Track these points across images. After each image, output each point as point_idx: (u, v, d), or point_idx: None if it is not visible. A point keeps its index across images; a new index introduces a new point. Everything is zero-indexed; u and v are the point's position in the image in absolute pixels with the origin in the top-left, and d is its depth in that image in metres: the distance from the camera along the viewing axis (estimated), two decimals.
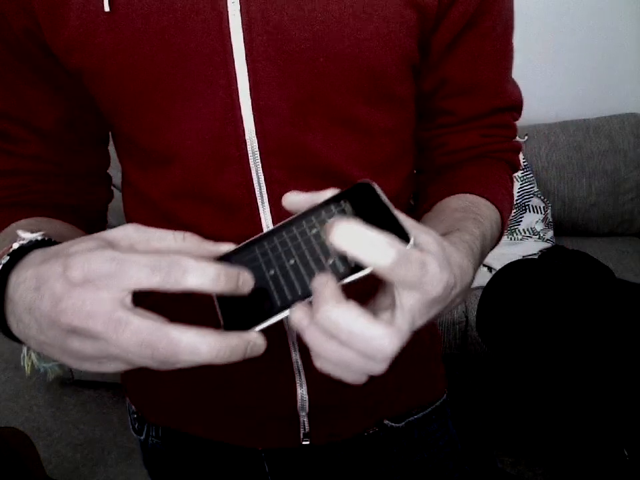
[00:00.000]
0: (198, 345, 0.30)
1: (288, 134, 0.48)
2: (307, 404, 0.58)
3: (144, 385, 0.65)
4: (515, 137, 0.60)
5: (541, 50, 1.88)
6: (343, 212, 0.36)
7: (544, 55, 1.92)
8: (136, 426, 0.69)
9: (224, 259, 0.36)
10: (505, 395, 1.46)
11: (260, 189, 0.50)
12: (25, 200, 0.55)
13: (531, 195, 1.88)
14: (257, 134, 0.48)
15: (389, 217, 0.34)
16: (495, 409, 1.50)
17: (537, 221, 1.87)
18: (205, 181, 0.50)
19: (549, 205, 1.91)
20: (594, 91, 2.02)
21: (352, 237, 0.30)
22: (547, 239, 1.86)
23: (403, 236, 0.32)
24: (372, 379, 0.33)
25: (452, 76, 0.54)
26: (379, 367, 0.32)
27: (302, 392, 0.58)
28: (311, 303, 0.32)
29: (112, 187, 0.63)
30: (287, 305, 0.33)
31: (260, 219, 0.51)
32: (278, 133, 0.48)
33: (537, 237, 1.85)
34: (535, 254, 1.78)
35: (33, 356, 0.46)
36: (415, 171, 0.61)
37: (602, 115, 1.96)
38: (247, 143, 0.48)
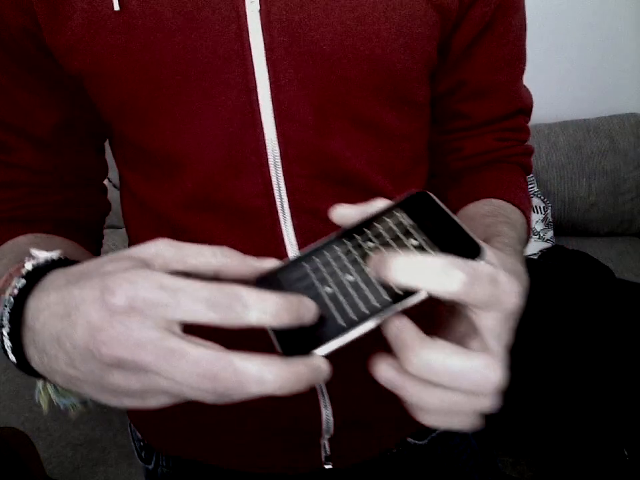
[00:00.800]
0: (264, 374, 0.26)
1: (310, 139, 0.46)
2: (332, 426, 0.55)
3: (152, 412, 0.62)
4: (527, 140, 0.60)
5: (541, 50, 1.88)
6: (400, 224, 0.33)
7: (544, 55, 1.91)
8: (142, 454, 0.65)
9: (269, 276, 0.33)
10: (504, 395, 1.46)
11: (281, 199, 0.47)
12: (20, 214, 0.52)
13: (531, 195, 1.88)
14: (278, 140, 0.45)
15: (454, 228, 0.31)
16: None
17: (537, 221, 1.87)
18: (220, 191, 0.47)
19: (549, 205, 1.91)
20: (594, 91, 2.02)
21: (408, 269, 0.27)
22: (547, 239, 1.86)
23: (473, 248, 0.29)
24: (394, 397, 0.31)
25: (468, 78, 0.53)
26: (491, 402, 0.29)
27: (327, 414, 0.55)
28: (379, 322, 0.29)
29: (113, 187, 0.62)
30: (352, 324, 0.29)
31: (281, 230, 0.48)
32: (300, 138, 0.46)
33: (537, 237, 1.85)
34: (535, 254, 1.78)
35: (50, 391, 0.40)
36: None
37: (602, 115, 1.96)
38: (267, 149, 0.46)
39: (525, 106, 0.58)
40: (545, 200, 1.90)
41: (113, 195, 0.61)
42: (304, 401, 0.54)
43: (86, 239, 0.55)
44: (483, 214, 0.50)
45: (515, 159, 0.59)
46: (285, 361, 0.27)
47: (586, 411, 1.34)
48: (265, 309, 0.27)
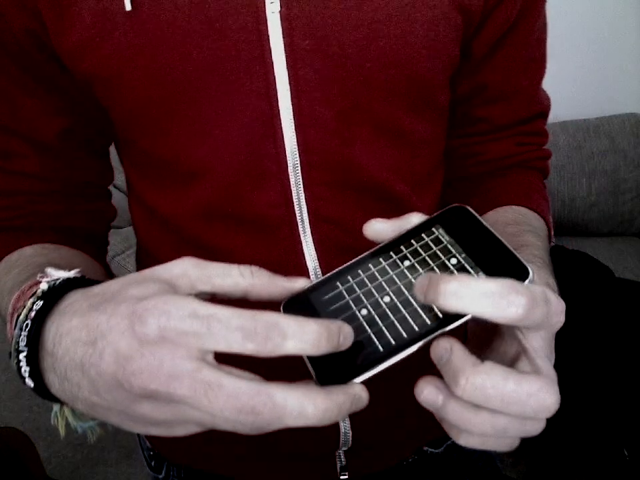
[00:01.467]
0: (305, 407, 0.26)
1: (332, 146, 0.44)
2: (350, 439, 0.54)
3: None
4: (546, 144, 0.59)
5: None
6: (437, 240, 0.31)
7: None
8: (152, 464, 0.64)
9: (300, 296, 0.31)
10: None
11: (300, 208, 0.46)
12: (23, 223, 0.50)
13: None
14: (298, 146, 0.43)
15: (497, 246, 0.29)
16: None
17: None
18: (238, 200, 0.45)
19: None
20: (594, 91, 2.02)
21: (469, 295, 0.25)
22: None
23: (519, 268, 0.28)
24: (412, 408, 0.30)
25: (490, 81, 0.52)
26: (539, 425, 0.28)
27: (345, 427, 0.53)
28: (420, 348, 0.28)
29: (114, 188, 0.61)
30: (391, 351, 0.28)
31: (300, 239, 0.47)
32: (321, 145, 0.44)
33: None
34: None
35: (68, 414, 0.39)
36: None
37: (602, 115, 1.96)
38: (287, 157, 0.44)
39: (544, 109, 0.57)
40: None
41: (115, 196, 0.60)
42: None
43: (91, 246, 0.53)
44: (505, 222, 0.48)
45: (534, 164, 0.57)
46: (324, 392, 0.26)
47: (586, 410, 1.34)
48: (303, 339, 0.26)
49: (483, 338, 0.32)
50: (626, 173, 1.89)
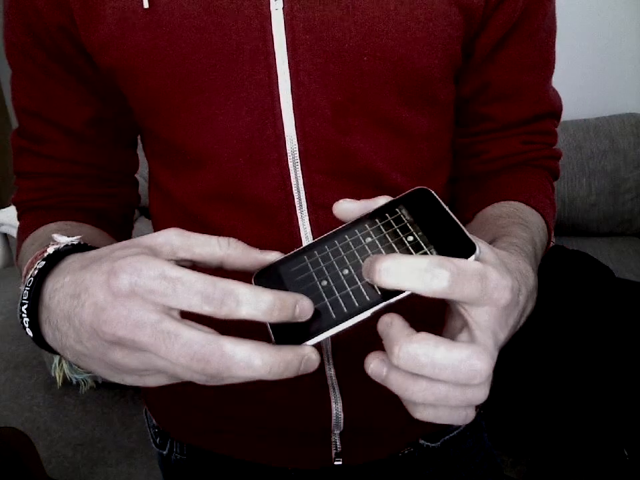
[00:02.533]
0: (252, 359, 0.28)
1: (329, 135, 0.47)
2: (342, 421, 0.56)
3: (168, 401, 0.63)
4: (555, 144, 0.59)
5: None
6: (399, 220, 0.33)
7: None
8: (157, 440, 0.67)
9: (271, 268, 0.34)
10: (505, 395, 1.46)
11: (298, 193, 0.48)
12: (53, 203, 0.54)
13: None
14: (297, 135, 0.46)
15: (451, 225, 0.32)
16: (494, 409, 1.50)
17: None
18: (240, 184, 0.48)
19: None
20: (594, 91, 2.02)
21: (393, 272, 0.28)
22: None
23: (467, 245, 0.30)
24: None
25: (494, 80, 0.52)
26: (480, 393, 0.29)
27: (337, 408, 0.55)
28: (371, 315, 0.30)
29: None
30: (343, 318, 0.30)
31: (297, 223, 0.49)
32: (319, 134, 0.46)
33: None
34: None
35: (65, 367, 0.44)
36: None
37: (602, 115, 1.96)
38: (287, 145, 0.46)
39: (553, 109, 0.57)
40: None
41: (141, 199, 0.64)
42: (315, 394, 0.55)
43: (114, 228, 0.57)
44: (498, 215, 0.50)
45: (541, 162, 0.57)
46: (273, 348, 0.29)
47: (586, 410, 1.34)
48: (256, 306, 0.29)
49: (445, 320, 0.34)
50: (626, 172, 1.89)
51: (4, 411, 1.97)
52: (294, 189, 0.48)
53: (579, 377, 1.35)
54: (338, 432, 0.57)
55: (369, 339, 0.30)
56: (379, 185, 0.50)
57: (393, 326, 0.29)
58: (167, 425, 0.65)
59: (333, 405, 0.55)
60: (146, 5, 0.43)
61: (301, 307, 0.30)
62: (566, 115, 2.07)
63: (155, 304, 0.29)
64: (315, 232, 0.49)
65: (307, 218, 0.49)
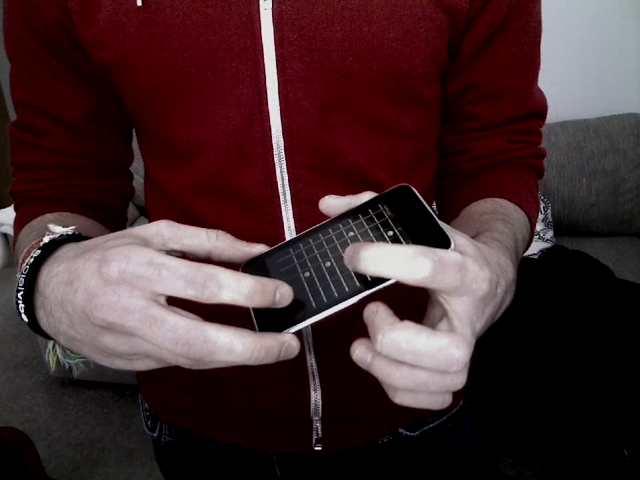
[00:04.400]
0: (234, 345, 0.29)
1: (314, 132, 0.48)
2: (321, 409, 0.58)
3: (158, 385, 0.65)
4: (540, 143, 0.60)
5: (541, 50, 1.88)
6: (381, 215, 0.35)
7: (544, 55, 1.91)
8: (149, 423, 0.69)
9: (258, 259, 0.36)
10: (504, 395, 1.46)
11: (283, 187, 0.50)
12: (50, 194, 0.55)
13: None
14: (283, 131, 0.48)
15: (429, 221, 0.33)
16: (495, 409, 1.50)
17: (537, 221, 1.87)
18: (227, 177, 0.50)
19: (549, 205, 1.91)
20: (594, 90, 2.02)
21: (378, 259, 0.29)
22: (547, 239, 1.86)
23: (443, 239, 0.32)
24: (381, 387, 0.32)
25: (480, 80, 0.53)
26: (458, 379, 0.30)
27: (316, 396, 0.57)
28: (349, 305, 0.32)
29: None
30: (322, 307, 0.32)
31: (281, 216, 0.51)
32: (304, 131, 0.48)
33: (537, 236, 1.85)
34: (535, 254, 1.78)
35: (58, 351, 0.48)
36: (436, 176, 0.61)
37: (602, 115, 1.96)
38: (273, 140, 0.48)
39: (538, 109, 0.58)
40: (545, 200, 1.91)
41: (135, 192, 0.65)
42: (295, 381, 0.56)
43: (109, 220, 0.59)
44: (482, 211, 0.51)
45: (526, 161, 0.59)
46: (255, 334, 0.30)
47: (586, 410, 1.34)
48: (238, 290, 0.30)
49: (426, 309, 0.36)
50: (626, 172, 1.89)
51: (4, 411, 1.97)
52: (279, 183, 0.49)
53: (579, 377, 1.35)
54: (318, 419, 0.59)
55: (349, 329, 0.32)
56: (362, 181, 0.51)
57: (377, 314, 0.31)
58: (157, 407, 0.67)
59: (312, 393, 0.57)
60: (139, 2, 0.45)
61: (281, 292, 0.31)
62: (566, 115, 2.06)
63: (142, 290, 0.30)
64: (298, 225, 0.51)
65: (290, 211, 0.50)
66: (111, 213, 0.60)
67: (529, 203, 0.55)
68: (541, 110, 0.58)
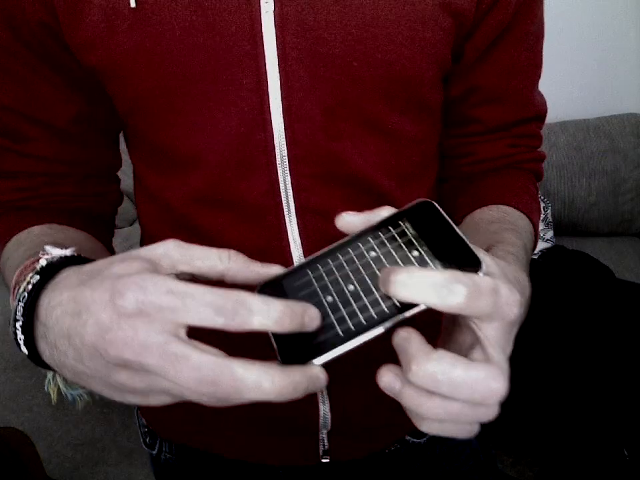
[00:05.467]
0: (262, 382, 0.27)
1: (319, 140, 0.46)
2: (329, 422, 0.56)
3: None
4: (539, 147, 0.60)
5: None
6: (403, 233, 0.33)
7: (544, 55, 1.91)
8: (147, 440, 0.67)
9: (274, 282, 0.33)
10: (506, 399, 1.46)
11: (287, 198, 0.48)
12: (36, 204, 0.53)
13: None
14: (286, 140, 0.46)
15: (455, 240, 0.31)
16: None
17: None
18: (228, 188, 0.48)
19: (549, 205, 1.91)
20: (594, 90, 2.02)
21: (415, 284, 0.28)
22: (547, 239, 1.86)
23: (472, 260, 0.30)
24: (392, 399, 0.31)
25: (483, 83, 0.53)
26: (491, 411, 0.29)
27: (324, 409, 0.56)
28: (377, 334, 0.30)
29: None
30: (350, 336, 0.30)
31: (285, 228, 0.49)
32: (308, 139, 0.46)
33: None
34: (535, 254, 1.78)
35: (60, 381, 0.43)
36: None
37: (602, 115, 1.96)
38: (276, 149, 0.46)
39: (539, 113, 0.58)
40: (545, 200, 1.90)
41: (123, 198, 0.62)
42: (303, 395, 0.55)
43: (99, 229, 0.56)
44: (489, 220, 0.50)
45: (527, 165, 0.58)
46: (283, 370, 0.28)
47: (586, 410, 1.34)
48: (268, 315, 0.28)
49: (449, 330, 0.34)
50: (626, 173, 1.89)
51: (4, 410, 1.97)
52: (282, 193, 0.48)
53: (578, 377, 1.35)
54: (325, 431, 0.58)
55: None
56: (367, 190, 0.50)
57: (410, 341, 0.29)
58: (156, 424, 0.65)
59: (321, 406, 0.56)
60: (133, 4, 0.42)
61: (309, 315, 0.30)
62: (566, 115, 2.06)
63: (162, 323, 0.28)
64: (302, 236, 0.49)
65: (295, 222, 0.49)
66: (100, 221, 0.58)
67: (532, 209, 0.54)
68: (541, 113, 0.58)
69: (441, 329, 0.35)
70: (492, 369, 0.28)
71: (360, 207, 0.36)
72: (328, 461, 0.59)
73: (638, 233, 1.97)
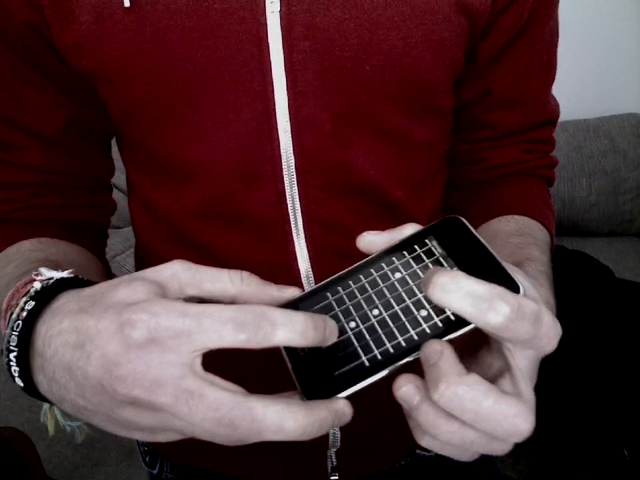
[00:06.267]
0: (284, 422, 0.25)
1: (328, 149, 0.44)
2: (339, 440, 0.54)
3: None
4: (552, 151, 0.58)
5: None
6: (429, 252, 0.31)
7: None
8: (147, 459, 0.65)
9: (291, 305, 0.31)
10: None
11: (294, 210, 0.45)
12: (24, 216, 0.50)
13: None
14: (293, 149, 0.43)
15: (489, 260, 0.29)
16: None
17: None
18: (232, 200, 0.45)
19: None
20: (594, 91, 2.02)
21: (456, 290, 0.25)
22: None
23: (509, 283, 0.27)
24: (402, 413, 0.29)
25: (496, 87, 0.51)
26: (506, 447, 0.27)
27: (334, 428, 0.53)
28: (406, 363, 0.28)
29: (114, 188, 0.60)
30: (377, 367, 0.28)
31: (293, 241, 0.46)
32: (317, 148, 0.43)
33: None
34: None
35: (57, 413, 0.40)
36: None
37: (602, 115, 1.96)
38: (282, 159, 0.43)
39: (552, 116, 0.56)
40: None
41: (115, 196, 0.60)
42: None
43: (91, 240, 0.54)
44: (509, 232, 0.48)
45: (540, 172, 0.56)
46: (306, 408, 0.26)
47: (586, 410, 1.34)
48: (293, 328, 0.26)
49: (469, 345, 0.32)
50: (626, 173, 1.89)
51: (4, 410, 1.97)
52: (289, 205, 0.45)
53: (578, 376, 1.35)
54: (334, 449, 0.56)
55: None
56: (378, 201, 0.48)
57: (443, 357, 0.26)
58: (158, 445, 0.63)
59: None
60: (127, 3, 0.39)
61: (329, 327, 0.28)
62: (566, 115, 2.07)
63: (177, 352, 0.25)
64: (311, 250, 0.47)
65: (302, 235, 0.46)
66: (92, 233, 0.54)
67: (549, 219, 0.52)
68: (554, 117, 0.56)
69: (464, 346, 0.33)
70: (522, 407, 0.26)
71: (370, 218, 0.33)
72: (337, 478, 0.57)
73: (638, 232, 1.97)
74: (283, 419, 0.25)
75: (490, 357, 0.30)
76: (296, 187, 0.45)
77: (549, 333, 0.27)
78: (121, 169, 0.56)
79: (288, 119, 0.42)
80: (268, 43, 0.40)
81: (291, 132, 0.43)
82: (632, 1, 1.89)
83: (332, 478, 0.57)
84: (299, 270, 0.47)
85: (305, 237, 0.46)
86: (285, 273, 0.47)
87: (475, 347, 0.31)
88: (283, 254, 0.47)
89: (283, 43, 0.40)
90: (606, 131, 1.90)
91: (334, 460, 0.56)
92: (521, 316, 0.25)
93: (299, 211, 0.46)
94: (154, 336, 0.25)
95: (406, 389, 0.27)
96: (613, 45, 1.96)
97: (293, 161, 0.44)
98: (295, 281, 0.45)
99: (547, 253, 0.46)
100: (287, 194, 0.45)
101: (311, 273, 0.48)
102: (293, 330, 0.26)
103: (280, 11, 0.40)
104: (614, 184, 1.89)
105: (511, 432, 0.26)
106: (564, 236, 1.95)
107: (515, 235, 0.47)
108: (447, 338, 0.27)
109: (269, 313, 0.26)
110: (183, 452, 0.60)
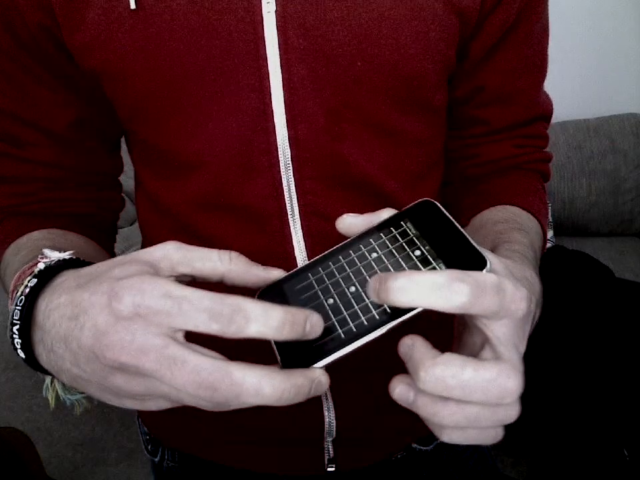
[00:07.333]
0: (262, 386, 0.27)
1: (322, 142, 0.46)
2: (334, 429, 0.55)
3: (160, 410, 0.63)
4: (546, 147, 0.59)
5: None
6: (405, 233, 0.33)
7: None
8: (149, 447, 0.66)
9: (275, 286, 0.33)
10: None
11: (291, 201, 0.47)
12: (35, 209, 0.52)
13: None
14: (289, 142, 0.45)
15: (459, 238, 0.31)
16: None
17: None
18: (231, 191, 0.47)
19: (549, 205, 1.91)
20: (594, 91, 2.02)
21: (416, 288, 0.26)
22: (547, 239, 1.86)
23: (477, 259, 0.29)
24: (398, 406, 0.30)
25: (488, 84, 0.52)
26: (511, 412, 0.28)
27: (330, 417, 0.55)
28: (382, 334, 0.29)
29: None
30: (352, 338, 0.29)
31: (290, 231, 0.48)
32: (312, 140, 0.45)
33: None
34: None
35: (58, 387, 0.42)
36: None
37: (602, 115, 1.96)
38: (279, 152, 0.45)
39: (545, 112, 0.57)
40: None
41: (125, 203, 0.62)
42: (307, 402, 0.54)
43: (100, 234, 0.55)
44: (496, 220, 0.49)
45: (533, 166, 0.57)
46: (283, 373, 0.28)
47: (586, 410, 1.34)
48: (266, 324, 0.27)
49: (459, 333, 0.33)
50: (626, 173, 1.89)
51: (4, 410, 1.97)
52: (286, 196, 0.47)
53: (578, 376, 1.35)
54: (330, 439, 0.57)
55: (363, 351, 0.30)
56: (372, 192, 0.49)
57: (415, 348, 0.28)
58: (159, 432, 0.64)
59: (326, 414, 0.55)
60: (133, 5, 0.41)
61: (311, 323, 0.28)
62: (566, 115, 2.06)
63: (159, 326, 0.27)
64: (307, 240, 0.49)
65: (299, 226, 0.48)
66: (101, 227, 0.57)
67: (540, 210, 0.53)
68: (547, 113, 0.57)
69: (453, 332, 0.34)
70: (503, 367, 0.27)
71: (365, 210, 0.35)
72: (333, 469, 0.58)
73: (638, 232, 1.97)
74: (261, 382, 0.27)
75: (471, 336, 0.32)
76: (292, 179, 0.46)
77: (514, 299, 0.28)
78: (126, 173, 0.58)
79: (284, 113, 0.44)
80: (264, 41, 0.42)
81: (287, 125, 0.44)
82: (632, 1, 1.89)
83: (329, 469, 0.58)
84: (295, 259, 0.49)
85: (302, 227, 0.48)
86: (282, 261, 0.49)
87: (460, 333, 0.33)
88: (280, 243, 0.49)
89: (278, 42, 0.42)
90: (606, 131, 1.90)
91: (331, 451, 0.58)
92: (482, 290, 0.27)
93: (296, 202, 0.47)
94: (138, 311, 0.27)
95: (399, 389, 0.29)
96: (613, 45, 1.96)
97: (289, 153, 0.45)
98: (292, 269, 0.47)
99: (532, 237, 0.46)
100: (284, 185, 0.47)
101: (307, 261, 0.49)
102: (266, 325, 0.27)
103: (275, 11, 0.42)
104: (614, 184, 1.89)
105: (501, 393, 0.27)
106: (564, 236, 1.95)
107: (501, 222, 0.49)
108: (418, 309, 0.28)
109: (246, 306, 0.27)
110: (183, 440, 0.62)
